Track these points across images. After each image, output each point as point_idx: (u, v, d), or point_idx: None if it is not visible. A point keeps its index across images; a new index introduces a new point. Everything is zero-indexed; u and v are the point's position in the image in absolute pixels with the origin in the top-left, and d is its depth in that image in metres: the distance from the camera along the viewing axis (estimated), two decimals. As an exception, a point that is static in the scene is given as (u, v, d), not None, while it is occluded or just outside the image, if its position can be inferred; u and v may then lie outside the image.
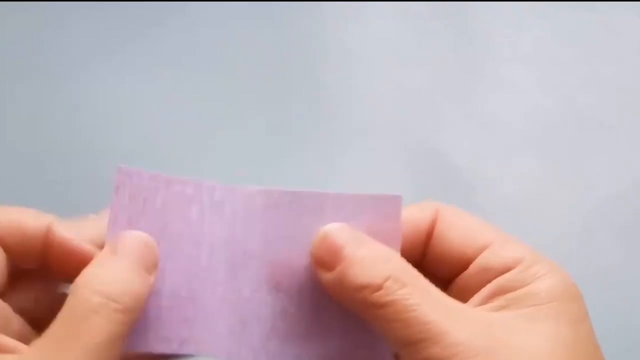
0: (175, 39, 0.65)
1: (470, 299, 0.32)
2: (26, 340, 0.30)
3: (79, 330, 0.28)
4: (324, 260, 0.31)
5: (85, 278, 0.30)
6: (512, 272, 0.31)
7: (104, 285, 0.29)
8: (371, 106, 0.64)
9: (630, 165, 0.62)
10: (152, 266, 0.31)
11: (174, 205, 0.32)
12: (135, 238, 0.31)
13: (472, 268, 0.32)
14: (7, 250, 0.32)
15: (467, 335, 0.28)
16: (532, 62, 0.65)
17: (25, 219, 0.32)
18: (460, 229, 0.33)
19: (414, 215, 0.34)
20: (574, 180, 0.62)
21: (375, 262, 0.30)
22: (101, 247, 0.32)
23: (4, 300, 0.31)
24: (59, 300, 0.29)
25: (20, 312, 0.32)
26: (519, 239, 0.33)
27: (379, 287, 0.29)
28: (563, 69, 0.64)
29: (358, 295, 0.30)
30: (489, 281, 0.32)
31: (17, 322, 0.31)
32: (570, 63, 0.64)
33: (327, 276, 0.31)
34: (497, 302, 0.31)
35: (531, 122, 0.63)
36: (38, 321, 0.32)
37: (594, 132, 0.63)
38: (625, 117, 0.63)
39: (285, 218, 0.32)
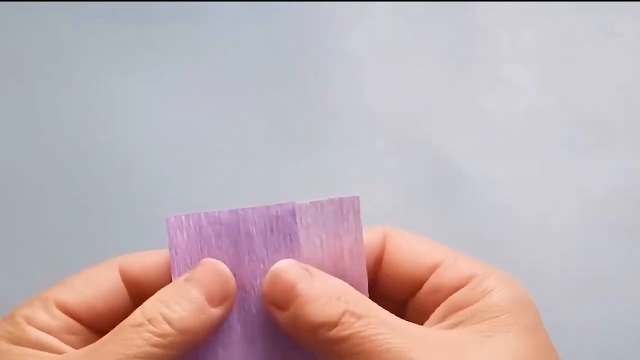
0: (176, 40, 0.65)
1: (427, 320, 0.32)
2: None
3: (116, 340, 0.30)
4: (277, 299, 0.31)
5: (150, 298, 0.31)
6: (464, 289, 0.32)
7: (153, 307, 0.30)
8: (370, 106, 0.64)
9: (631, 166, 0.62)
10: (219, 299, 0.31)
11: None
12: (207, 266, 0.31)
13: (425, 288, 0.33)
14: (138, 284, 0.33)
15: (425, 358, 0.28)
16: (532, 62, 0.64)
17: (158, 256, 0.34)
18: (409, 251, 0.34)
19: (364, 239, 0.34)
20: (574, 180, 0.62)
21: (329, 298, 0.30)
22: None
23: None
24: None
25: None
26: (468, 256, 0.33)
27: (335, 324, 0.29)
28: (563, 69, 0.64)
29: (314, 334, 0.30)
30: (443, 300, 0.32)
31: (86, 336, 0.33)
32: (570, 63, 0.64)
33: (281, 316, 0.31)
34: (451, 320, 0.31)
35: (531, 122, 0.63)
36: None
37: (593, 132, 0.63)
38: (625, 117, 0.63)
39: (252, 235, 0.31)
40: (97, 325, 0.33)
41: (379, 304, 0.33)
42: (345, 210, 0.32)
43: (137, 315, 0.30)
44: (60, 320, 0.32)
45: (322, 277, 0.31)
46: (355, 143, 0.63)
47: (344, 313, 0.29)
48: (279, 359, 0.30)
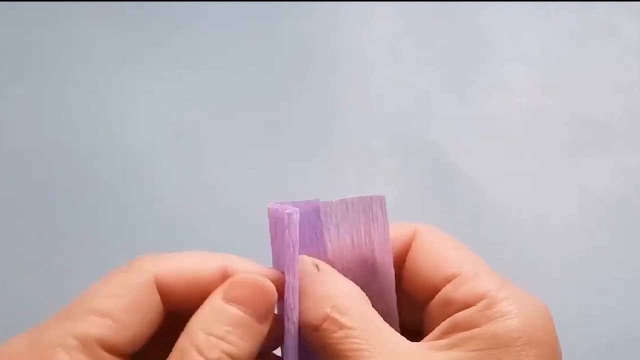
0: (177, 40, 0.65)
1: (428, 335, 0.30)
2: None
3: None
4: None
5: (191, 322, 0.28)
6: (470, 309, 0.29)
7: (210, 344, 0.27)
8: (370, 106, 0.64)
9: (630, 166, 0.62)
10: (264, 315, 0.29)
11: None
12: (249, 284, 0.29)
13: (437, 300, 0.31)
14: (176, 298, 0.29)
15: None
16: (532, 62, 0.65)
17: (195, 263, 0.30)
18: (431, 255, 0.32)
19: (391, 234, 0.32)
20: (574, 180, 0.62)
21: (320, 300, 0.29)
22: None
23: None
24: None
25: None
26: (493, 272, 0.31)
27: (317, 328, 0.28)
28: (563, 69, 0.64)
29: (305, 333, 0.29)
30: (449, 315, 0.30)
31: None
32: (570, 63, 0.64)
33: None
34: (448, 340, 0.29)
35: (531, 122, 0.63)
36: None
37: (593, 132, 0.63)
38: (624, 117, 0.63)
39: (283, 234, 0.31)
40: (139, 356, 0.29)
41: (404, 300, 0.32)
42: (375, 208, 0.32)
43: (196, 334, 0.27)
44: None
45: (327, 276, 0.30)
46: (355, 143, 0.63)
47: (325, 318, 0.28)
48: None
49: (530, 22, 0.65)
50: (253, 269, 0.30)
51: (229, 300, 0.29)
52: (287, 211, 0.29)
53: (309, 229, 0.31)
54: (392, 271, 0.32)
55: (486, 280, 0.30)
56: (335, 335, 0.28)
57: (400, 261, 0.33)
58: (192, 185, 0.62)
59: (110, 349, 0.27)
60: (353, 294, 0.30)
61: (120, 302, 0.28)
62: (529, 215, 0.61)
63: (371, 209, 0.32)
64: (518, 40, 0.65)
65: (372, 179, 0.62)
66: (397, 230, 0.33)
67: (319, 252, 0.31)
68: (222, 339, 0.28)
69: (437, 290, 0.31)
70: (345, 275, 0.31)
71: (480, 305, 0.29)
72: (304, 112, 0.64)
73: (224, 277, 0.30)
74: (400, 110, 0.64)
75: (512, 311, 0.29)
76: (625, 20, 0.65)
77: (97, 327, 0.27)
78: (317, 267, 0.30)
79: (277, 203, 0.31)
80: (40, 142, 0.63)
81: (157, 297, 0.29)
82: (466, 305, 0.29)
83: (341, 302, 0.29)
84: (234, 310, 0.28)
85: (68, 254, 0.59)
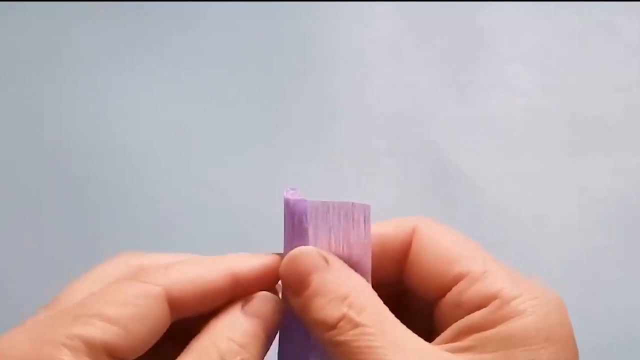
0: (177, 40, 0.65)
1: (440, 336, 0.30)
2: None
3: None
4: (292, 284, 0.30)
5: (213, 328, 0.29)
6: (484, 310, 0.29)
7: (231, 349, 0.28)
8: (370, 106, 0.64)
9: (630, 166, 0.62)
10: (275, 333, 0.30)
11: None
12: (267, 300, 0.30)
13: (446, 301, 0.30)
14: (185, 309, 0.30)
15: None
16: (532, 62, 0.65)
17: (203, 273, 0.30)
18: (436, 252, 0.31)
19: (389, 232, 0.32)
20: (574, 180, 0.62)
21: (334, 297, 0.29)
22: None
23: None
24: None
25: None
26: (502, 267, 0.30)
27: (332, 327, 0.28)
28: (563, 69, 0.64)
29: (315, 329, 0.29)
30: (461, 317, 0.29)
31: None
32: (570, 63, 0.64)
33: (294, 300, 0.30)
34: (463, 342, 0.28)
35: (531, 122, 0.63)
36: None
37: (593, 132, 0.63)
38: (624, 117, 0.63)
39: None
40: None
41: (409, 298, 0.32)
42: (357, 216, 0.31)
43: (218, 343, 0.28)
44: None
45: (338, 270, 0.30)
46: (355, 143, 0.63)
47: (342, 317, 0.28)
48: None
49: (530, 22, 0.65)
50: (257, 264, 0.30)
51: (249, 314, 0.29)
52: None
53: (297, 225, 0.31)
54: (369, 281, 0.31)
55: (496, 278, 0.29)
56: (351, 332, 0.28)
57: (402, 259, 0.32)
58: (192, 185, 0.62)
59: (115, 356, 0.28)
60: (367, 291, 0.29)
61: (130, 311, 0.28)
62: (529, 215, 0.61)
63: (352, 215, 0.31)
64: (518, 40, 0.65)
65: (372, 179, 0.62)
66: (395, 228, 0.32)
67: None
68: (243, 347, 0.28)
69: (446, 290, 0.30)
70: None
71: (492, 306, 0.29)
72: (304, 112, 0.64)
73: (233, 283, 0.30)
74: (400, 110, 0.64)
75: (526, 309, 0.28)
76: (625, 20, 0.65)
77: (105, 332, 0.27)
78: (326, 260, 0.30)
79: (291, 192, 0.31)
80: (40, 142, 0.63)
81: (167, 309, 0.29)
82: (478, 307, 0.29)
83: (357, 300, 0.29)
84: (254, 323, 0.29)
85: (68, 254, 0.59)
